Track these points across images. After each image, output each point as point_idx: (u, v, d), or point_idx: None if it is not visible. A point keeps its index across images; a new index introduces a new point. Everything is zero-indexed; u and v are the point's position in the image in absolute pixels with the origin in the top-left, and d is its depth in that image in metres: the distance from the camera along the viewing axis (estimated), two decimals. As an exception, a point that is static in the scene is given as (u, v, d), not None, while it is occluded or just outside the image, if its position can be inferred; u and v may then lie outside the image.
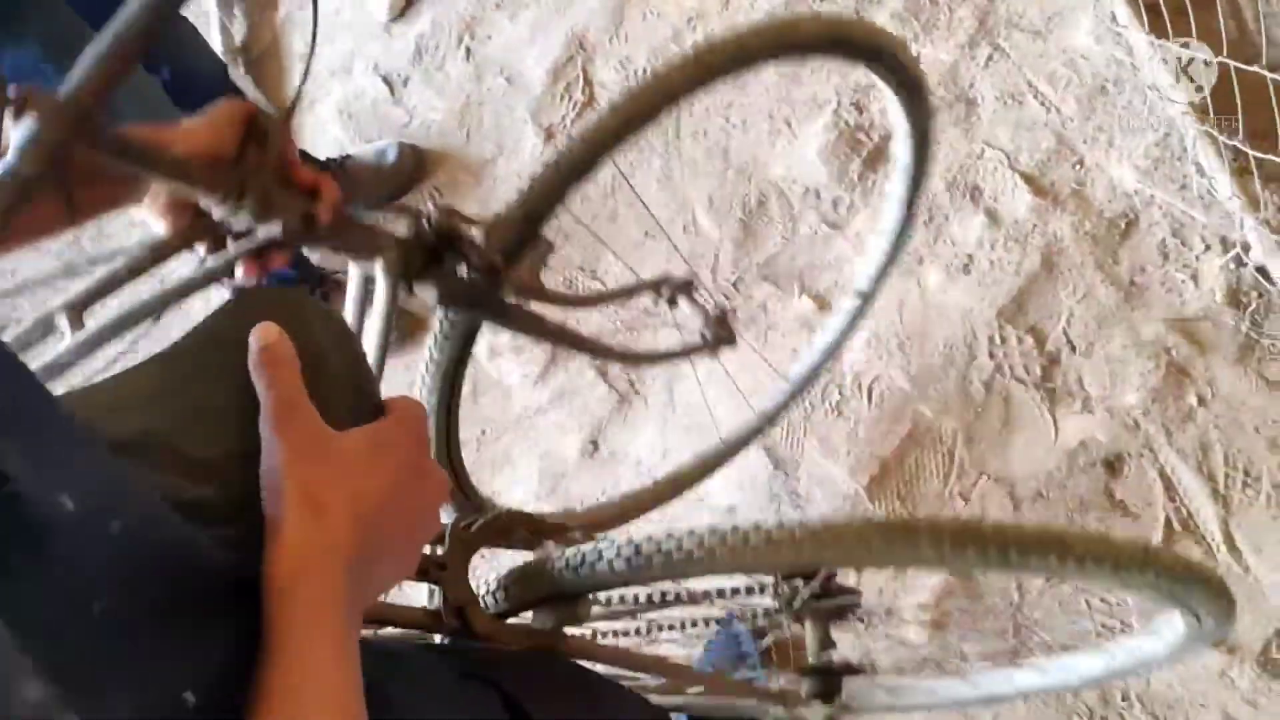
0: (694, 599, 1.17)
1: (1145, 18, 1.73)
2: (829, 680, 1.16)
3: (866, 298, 1.55)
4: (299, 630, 0.47)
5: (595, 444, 1.92)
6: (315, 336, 0.58)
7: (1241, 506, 1.55)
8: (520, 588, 0.89)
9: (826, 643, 1.15)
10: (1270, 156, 1.46)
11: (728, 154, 2.02)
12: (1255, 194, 1.59)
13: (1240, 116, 1.53)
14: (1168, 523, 1.58)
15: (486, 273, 0.96)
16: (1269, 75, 1.44)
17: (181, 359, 0.56)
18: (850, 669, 1.17)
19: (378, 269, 0.90)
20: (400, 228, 0.92)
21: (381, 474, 0.55)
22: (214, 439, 0.53)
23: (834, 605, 1.13)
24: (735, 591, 1.14)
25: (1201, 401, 1.61)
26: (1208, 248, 1.67)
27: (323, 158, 2.20)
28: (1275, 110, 1.42)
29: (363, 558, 0.52)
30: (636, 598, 1.13)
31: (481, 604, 0.87)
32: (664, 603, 1.14)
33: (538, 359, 1.99)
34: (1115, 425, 1.64)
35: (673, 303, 1.38)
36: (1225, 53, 1.53)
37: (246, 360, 0.54)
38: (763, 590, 1.14)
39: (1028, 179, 1.81)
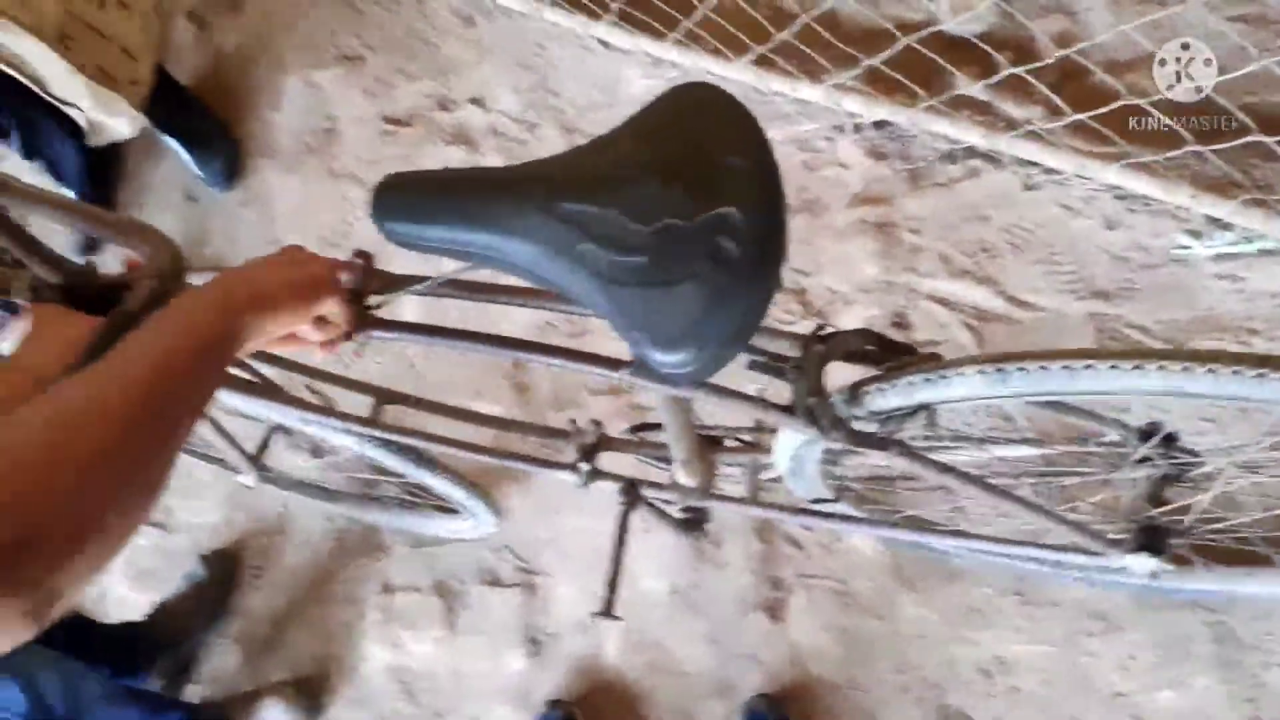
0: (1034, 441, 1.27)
1: (637, 32, 2.05)
2: (1156, 534, 1.21)
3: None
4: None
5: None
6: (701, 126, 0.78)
7: (1000, 273, 1.77)
8: (876, 395, 0.96)
9: (1158, 499, 1.21)
10: (803, 21, 1.76)
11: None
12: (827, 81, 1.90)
13: (772, 32, 1.85)
14: (969, 328, 1.77)
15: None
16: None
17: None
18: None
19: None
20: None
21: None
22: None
23: (1174, 464, 1.20)
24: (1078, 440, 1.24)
25: (914, 232, 1.85)
26: (831, 140, 1.96)
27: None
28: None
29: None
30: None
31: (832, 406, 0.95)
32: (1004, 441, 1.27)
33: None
34: (877, 295, 1.84)
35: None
36: None
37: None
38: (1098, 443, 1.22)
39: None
